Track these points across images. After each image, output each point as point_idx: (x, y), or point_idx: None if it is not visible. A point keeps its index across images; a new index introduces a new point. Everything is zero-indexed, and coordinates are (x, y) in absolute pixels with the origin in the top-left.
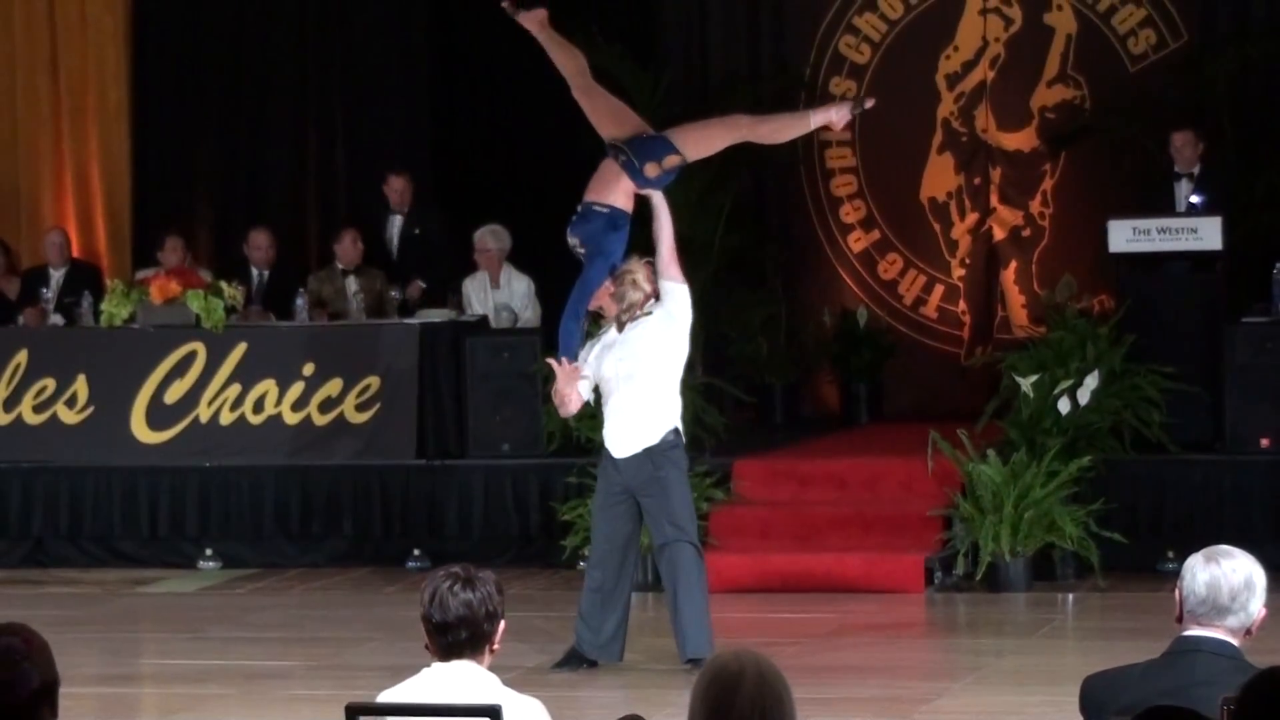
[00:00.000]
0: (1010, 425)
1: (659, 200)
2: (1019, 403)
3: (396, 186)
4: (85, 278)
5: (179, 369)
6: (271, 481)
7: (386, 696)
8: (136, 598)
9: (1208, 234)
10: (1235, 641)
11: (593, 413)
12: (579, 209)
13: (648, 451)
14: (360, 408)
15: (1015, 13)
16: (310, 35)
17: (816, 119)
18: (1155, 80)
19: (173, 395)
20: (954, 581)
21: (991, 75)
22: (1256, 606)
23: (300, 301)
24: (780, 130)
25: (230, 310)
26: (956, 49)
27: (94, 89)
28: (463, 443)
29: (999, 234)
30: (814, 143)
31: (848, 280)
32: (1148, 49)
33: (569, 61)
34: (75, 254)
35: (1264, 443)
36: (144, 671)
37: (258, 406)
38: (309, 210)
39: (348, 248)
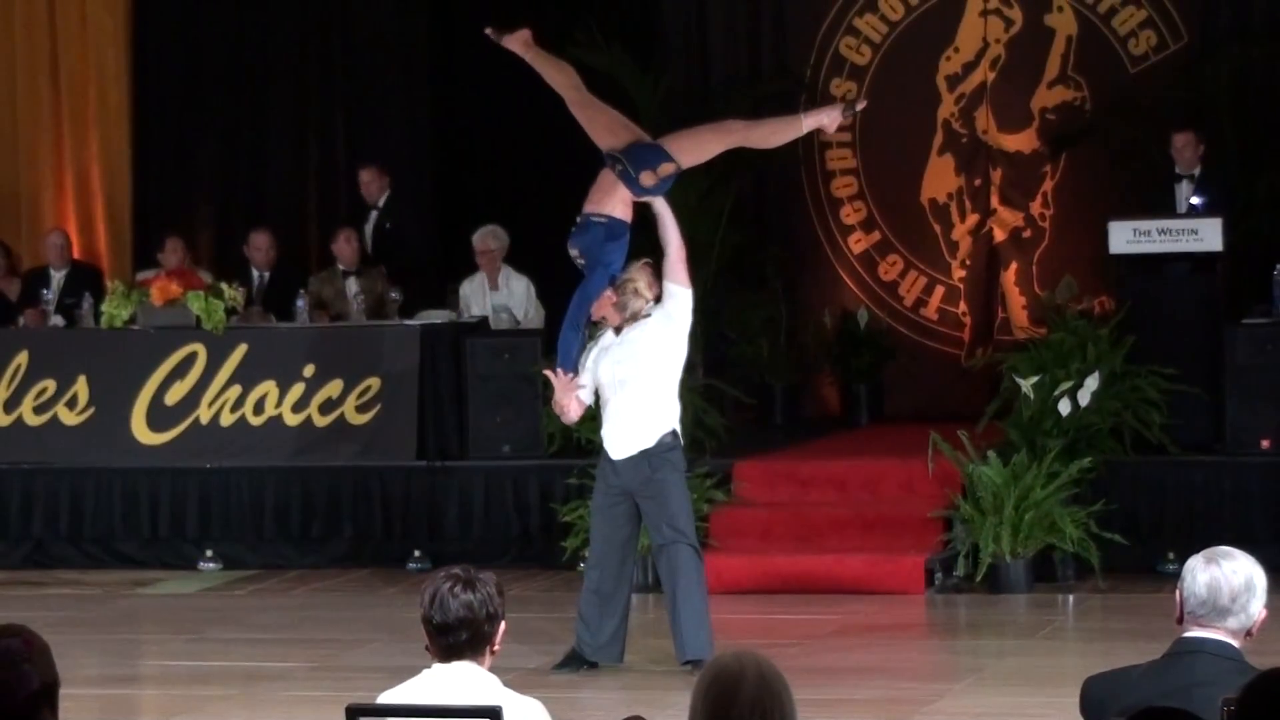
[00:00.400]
0: (1011, 426)
1: (661, 206)
2: (1019, 404)
3: (364, 179)
4: (86, 279)
5: (179, 370)
6: (272, 483)
7: (387, 697)
8: (137, 599)
9: (1208, 235)
10: (1236, 643)
11: (593, 414)
12: (578, 219)
13: (645, 454)
14: (361, 409)
15: (1016, 14)
16: (310, 36)
17: (808, 122)
18: (1156, 81)
19: (173, 396)
20: (954, 583)
21: (992, 76)
22: (1257, 608)
23: (301, 303)
24: (773, 135)
25: (231, 311)
26: (957, 50)
27: (94, 90)
28: (463, 444)
29: (999, 235)
30: (815, 144)
31: (848, 281)
32: (1148, 50)
33: (560, 77)
34: (76, 255)
35: (1264, 444)
36: (144, 673)
37: (258, 408)
38: (309, 212)
39: (342, 247)
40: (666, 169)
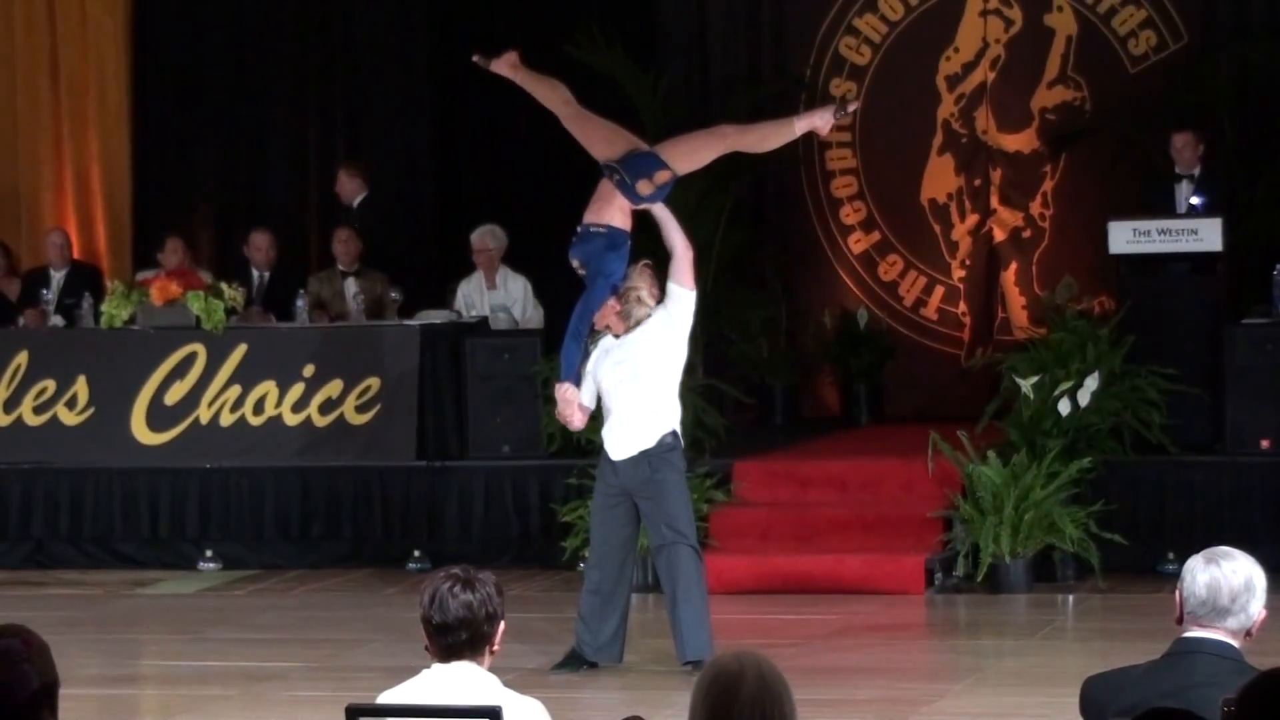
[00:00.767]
0: (1010, 426)
1: (661, 211)
2: (1019, 404)
3: (340, 179)
4: (86, 279)
5: (179, 370)
6: (272, 483)
7: (387, 698)
8: (137, 599)
9: (1208, 235)
10: (1235, 643)
11: (594, 414)
12: (578, 230)
13: (645, 454)
14: (360, 409)
15: (1015, 14)
16: (311, 36)
17: (801, 125)
18: (1155, 81)
19: (173, 396)
20: (954, 583)
21: (992, 76)
22: (1257, 608)
23: (300, 303)
24: (765, 139)
25: (230, 312)
26: (957, 50)
27: (94, 90)
28: (463, 444)
29: (999, 235)
30: (814, 144)
31: (848, 281)
32: (1148, 50)
33: (551, 94)
34: (76, 255)
35: (1264, 444)
36: (144, 673)
37: (258, 408)
38: (309, 212)
39: (338, 247)
40: (663, 177)
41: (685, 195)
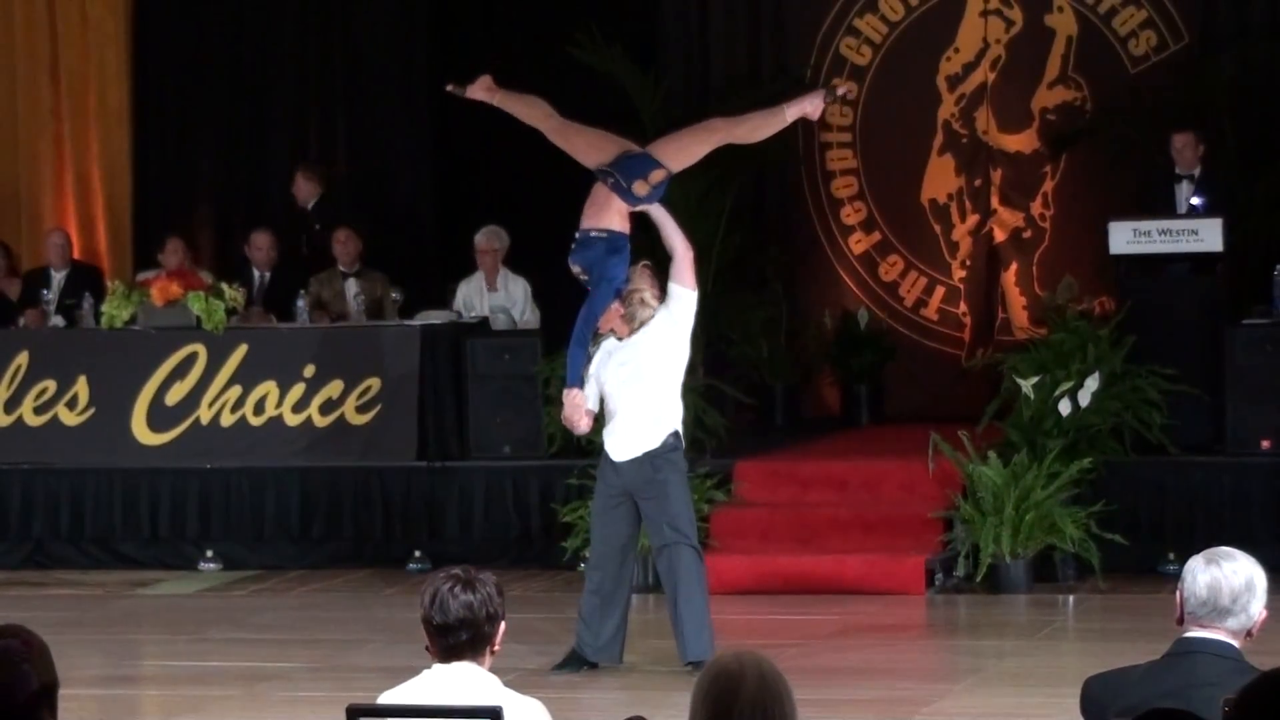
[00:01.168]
0: (1011, 427)
1: (659, 213)
2: (1020, 404)
3: (297, 181)
4: (86, 279)
5: (180, 370)
6: (272, 483)
7: (387, 698)
8: (137, 599)
9: (1208, 236)
10: (1236, 643)
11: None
12: (576, 236)
13: (648, 455)
14: (361, 409)
15: (1016, 14)
16: (311, 36)
17: (792, 112)
18: (1156, 82)
19: (174, 397)
20: (955, 583)
21: (992, 77)
22: (1257, 608)
23: (301, 303)
24: (758, 129)
25: (231, 312)
26: (957, 50)
27: (95, 91)
28: (463, 444)
29: (1000, 236)
30: (815, 144)
31: (848, 282)
32: (1148, 50)
33: (531, 111)
34: (76, 256)
35: (1264, 444)
36: (144, 673)
37: (259, 408)
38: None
39: (337, 247)
40: (657, 176)
41: (685, 196)
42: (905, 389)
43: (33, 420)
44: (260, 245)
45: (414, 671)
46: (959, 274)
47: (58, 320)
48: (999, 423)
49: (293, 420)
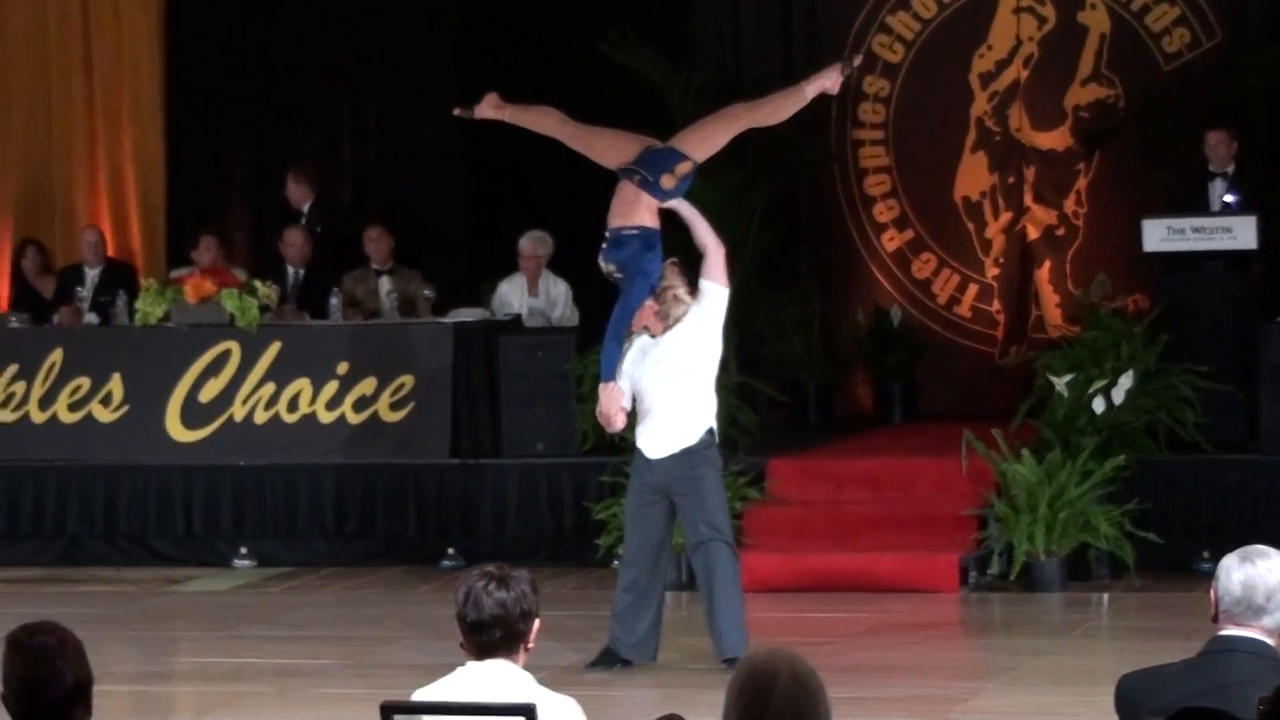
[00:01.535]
0: (1045, 425)
1: (688, 211)
2: (1053, 402)
3: (289, 184)
4: (120, 277)
5: (213, 368)
6: (306, 480)
7: (421, 695)
8: (171, 596)
9: (1242, 233)
10: (1271, 641)
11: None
12: (607, 236)
13: (685, 451)
14: (394, 407)
15: (1049, 11)
16: (343, 34)
17: (811, 89)
18: (1189, 79)
19: (207, 394)
20: (988, 581)
21: (1025, 74)
22: None
23: (334, 301)
24: (778, 109)
25: (264, 309)
26: (990, 48)
27: (128, 88)
28: (497, 442)
29: (1033, 233)
30: (847, 142)
31: (881, 280)
32: (1182, 48)
33: (544, 120)
34: (110, 253)
35: None
36: (178, 670)
37: (292, 405)
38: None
39: (369, 245)
40: (684, 168)
41: (717, 194)
42: (938, 387)
43: (67, 417)
44: (293, 242)
45: (448, 669)
46: (992, 271)
47: (92, 318)
48: (1032, 421)
49: (326, 418)
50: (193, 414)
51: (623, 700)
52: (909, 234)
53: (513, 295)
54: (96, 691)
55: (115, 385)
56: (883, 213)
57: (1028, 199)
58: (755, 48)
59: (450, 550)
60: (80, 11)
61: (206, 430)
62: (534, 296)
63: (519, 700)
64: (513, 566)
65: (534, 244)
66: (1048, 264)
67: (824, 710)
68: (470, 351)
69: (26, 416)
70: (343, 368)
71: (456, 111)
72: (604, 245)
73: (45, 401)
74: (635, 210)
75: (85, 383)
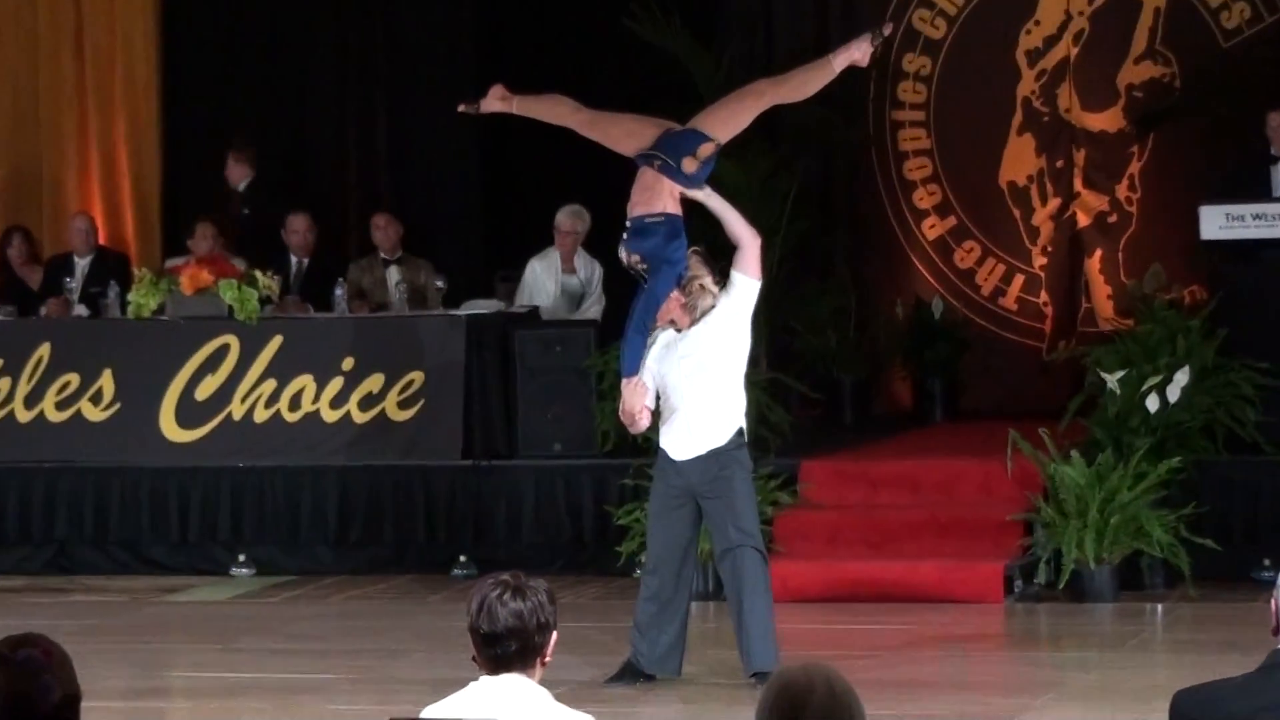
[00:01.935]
0: (1095, 424)
1: (717, 203)
2: (1104, 400)
3: (229, 162)
4: (111, 266)
5: (211, 363)
6: (309, 483)
7: (431, 712)
8: (166, 606)
9: None
10: None
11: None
12: (628, 225)
13: (713, 452)
14: (403, 405)
15: None
16: (350, 12)
17: (839, 61)
18: (1250, 56)
19: (204, 391)
20: (1035, 591)
21: (1075, 51)
22: None
23: (339, 292)
24: (804, 84)
25: (265, 301)
26: (1038, 23)
27: (121, 66)
28: (511, 442)
29: (1083, 220)
30: (886, 124)
31: (922, 269)
32: (1241, 24)
33: (555, 109)
34: (101, 241)
35: None
36: (173, 685)
37: (294, 403)
38: (349, 195)
39: (377, 233)
40: (706, 149)
41: (748, 178)
42: (982, 383)
43: (55, 416)
44: (297, 228)
45: (460, 684)
46: (1039, 261)
47: (81, 310)
48: (1082, 420)
49: (330, 416)
50: (188, 412)
51: (645, 718)
52: (951, 221)
53: (546, 273)
54: (85, 708)
55: (106, 382)
56: (923, 198)
57: (1077, 184)
58: (788, 23)
59: (462, 558)
60: None
61: (203, 430)
62: (569, 273)
63: (535, 717)
64: (529, 575)
65: (572, 219)
66: (1099, 253)
67: None
68: (483, 346)
69: (11, 415)
70: (348, 363)
71: (461, 108)
72: (625, 235)
73: (31, 399)
74: (657, 197)
75: (74, 379)
